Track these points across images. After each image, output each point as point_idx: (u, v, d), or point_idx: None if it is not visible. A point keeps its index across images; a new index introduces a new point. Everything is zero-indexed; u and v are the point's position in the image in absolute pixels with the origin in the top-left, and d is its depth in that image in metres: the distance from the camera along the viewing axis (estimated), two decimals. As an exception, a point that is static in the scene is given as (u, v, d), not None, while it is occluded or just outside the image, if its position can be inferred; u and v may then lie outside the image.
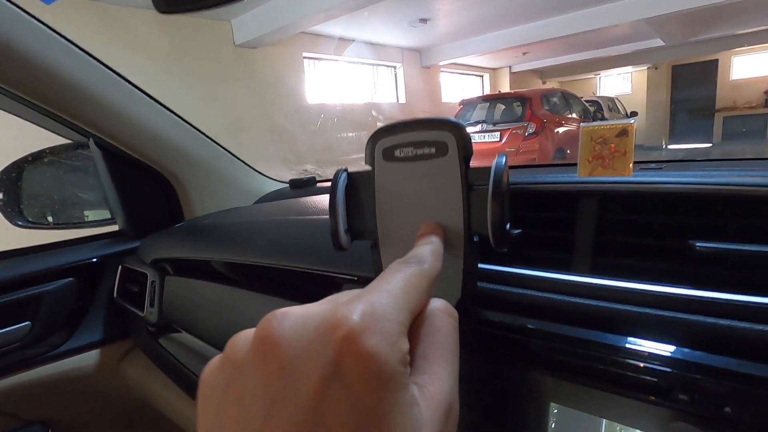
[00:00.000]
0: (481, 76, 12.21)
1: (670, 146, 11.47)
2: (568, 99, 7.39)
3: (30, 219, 0.88)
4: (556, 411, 0.30)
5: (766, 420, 0.20)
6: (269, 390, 0.16)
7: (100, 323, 0.84)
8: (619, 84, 13.71)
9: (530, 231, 0.33)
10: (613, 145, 0.49)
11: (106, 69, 0.75)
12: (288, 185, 1.07)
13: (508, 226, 0.30)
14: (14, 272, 0.76)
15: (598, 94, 12.12)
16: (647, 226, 0.29)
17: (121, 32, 5.06)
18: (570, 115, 7.13)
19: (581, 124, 0.50)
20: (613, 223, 0.30)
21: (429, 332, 0.20)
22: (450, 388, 0.19)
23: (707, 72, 11.31)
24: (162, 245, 0.79)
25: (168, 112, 0.86)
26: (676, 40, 9.44)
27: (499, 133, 6.26)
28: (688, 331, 0.24)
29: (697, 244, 0.26)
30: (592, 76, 14.10)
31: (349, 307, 0.17)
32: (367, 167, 0.34)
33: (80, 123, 0.76)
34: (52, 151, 0.88)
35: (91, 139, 0.82)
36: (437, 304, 0.22)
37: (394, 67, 9.43)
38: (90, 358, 0.83)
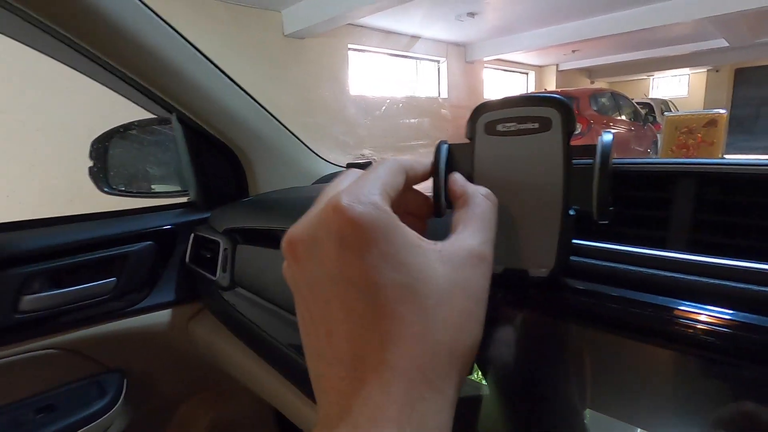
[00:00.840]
0: (526, 74, 11.90)
1: (727, 156, 10.81)
2: (617, 100, 7.09)
3: (114, 186, 0.97)
4: (588, 418, 0.31)
5: None
6: (305, 274, 0.22)
7: (173, 285, 0.91)
8: (674, 86, 13.01)
9: (625, 210, 0.34)
10: (699, 135, 0.49)
11: (191, 47, 0.81)
12: (345, 168, 1.11)
13: (610, 200, 0.32)
14: (105, 232, 0.84)
15: (650, 96, 11.54)
16: (746, 207, 0.30)
17: (191, 16, 5.28)
18: (619, 117, 6.85)
19: (664, 113, 0.50)
20: (713, 203, 0.31)
21: (467, 206, 0.26)
22: (481, 240, 0.24)
23: (771, 75, 10.53)
24: (233, 216, 0.84)
25: (243, 92, 0.91)
26: (743, 41, 8.83)
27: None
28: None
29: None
30: (645, 77, 13.44)
31: (339, 194, 0.21)
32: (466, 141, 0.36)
33: (167, 98, 0.82)
34: (140, 124, 0.95)
35: (174, 114, 0.88)
36: (479, 189, 0.28)
37: (438, 61, 9.35)
38: (163, 316, 0.90)
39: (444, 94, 9.42)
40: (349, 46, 7.53)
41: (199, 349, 0.92)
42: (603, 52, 10.35)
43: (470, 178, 0.36)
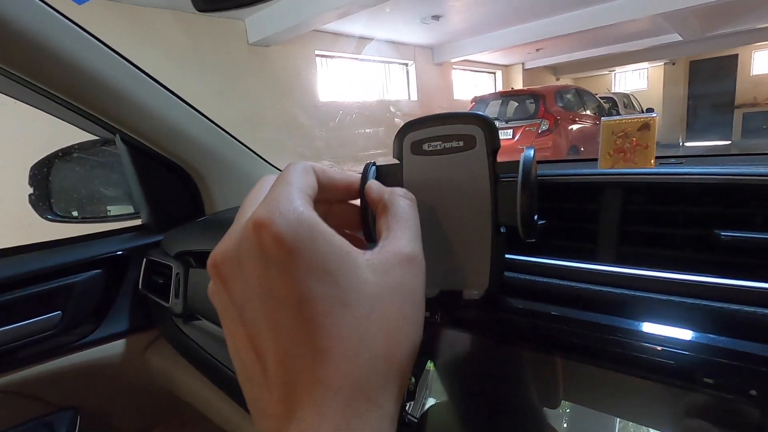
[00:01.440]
0: (494, 73, 12.13)
1: (687, 143, 11.26)
2: (582, 96, 7.30)
3: (59, 213, 0.92)
4: (568, 411, 0.31)
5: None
6: (232, 295, 0.21)
7: (126, 314, 0.87)
8: (635, 80, 13.50)
9: (555, 222, 0.34)
10: (634, 138, 0.49)
11: (131, 66, 0.78)
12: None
13: (535, 216, 0.31)
14: (46, 264, 0.79)
15: (613, 91, 11.95)
16: (671, 217, 0.29)
17: (140, 30, 5.15)
18: (584, 112, 7.05)
19: (602, 118, 0.51)
20: (636, 213, 0.31)
21: (387, 210, 0.25)
22: (408, 241, 0.23)
23: (726, 67, 11.06)
24: (186, 238, 0.81)
25: (190, 108, 0.88)
26: (695, 34, 9.25)
27: (512, 130, 6.21)
28: (713, 318, 0.25)
29: (722, 233, 0.26)
30: (607, 72, 13.90)
31: (259, 208, 0.20)
32: (394, 161, 0.35)
33: (107, 119, 0.78)
34: (81, 147, 0.91)
35: (117, 135, 0.84)
36: (396, 190, 0.27)
37: (406, 65, 9.42)
38: (116, 347, 0.85)
39: (414, 97, 9.49)
40: (316, 52, 7.50)
41: (156, 379, 0.88)
42: (566, 50, 10.65)
43: None
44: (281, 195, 0.21)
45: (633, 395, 0.26)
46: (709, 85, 11.36)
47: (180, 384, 0.82)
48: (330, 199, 0.28)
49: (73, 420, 0.82)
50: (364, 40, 8.04)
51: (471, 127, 0.32)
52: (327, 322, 0.19)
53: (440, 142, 0.32)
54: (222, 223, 0.82)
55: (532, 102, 6.45)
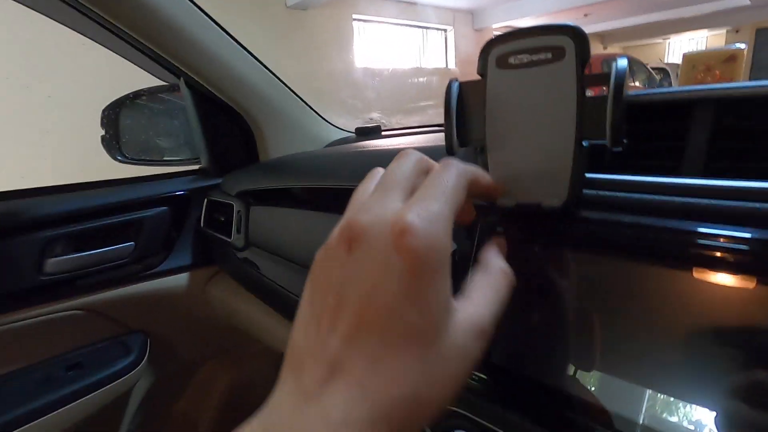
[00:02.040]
0: (537, 40, 11.51)
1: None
2: (631, 65, 6.88)
3: (127, 155, 0.98)
4: (598, 377, 0.31)
5: None
6: (344, 273, 0.21)
7: (189, 249, 0.94)
8: (692, 50, 12.52)
9: (638, 144, 0.34)
10: (718, 72, 0.48)
11: (200, 12, 0.80)
12: (353, 133, 1.11)
13: (623, 127, 0.31)
14: (120, 198, 0.85)
15: (666, 61, 11.14)
16: (764, 131, 0.29)
17: None
18: (632, 84, 6.66)
19: (683, 52, 0.49)
20: (728, 129, 0.31)
21: (483, 274, 0.26)
22: (489, 314, 0.23)
23: (797, 36, 10.06)
24: (245, 178, 0.85)
25: (250, 56, 0.90)
26: (765, -1, 8.42)
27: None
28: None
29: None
30: (661, 41, 12.95)
31: (406, 212, 0.20)
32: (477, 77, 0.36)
33: (174, 61, 0.82)
34: (149, 91, 0.95)
35: (182, 78, 0.88)
36: (500, 263, 0.27)
37: (444, 30, 9.09)
38: (181, 279, 0.92)
39: (452, 65, 9.20)
40: (354, 16, 7.35)
41: (216, 311, 0.95)
42: (616, 15, 9.96)
43: (482, 115, 0.36)
44: (436, 211, 0.21)
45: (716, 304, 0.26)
46: (775, 56, 10.41)
47: (240, 315, 0.88)
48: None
49: (144, 342, 0.91)
50: (402, 3, 7.79)
51: (561, 38, 0.32)
52: (408, 343, 0.19)
53: (528, 55, 0.33)
54: (279, 165, 0.85)
55: (577, 71, 6.13)
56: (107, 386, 0.81)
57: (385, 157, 0.59)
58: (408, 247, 0.20)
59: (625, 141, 0.34)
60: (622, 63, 0.31)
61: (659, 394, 0.28)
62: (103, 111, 0.93)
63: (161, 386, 1.01)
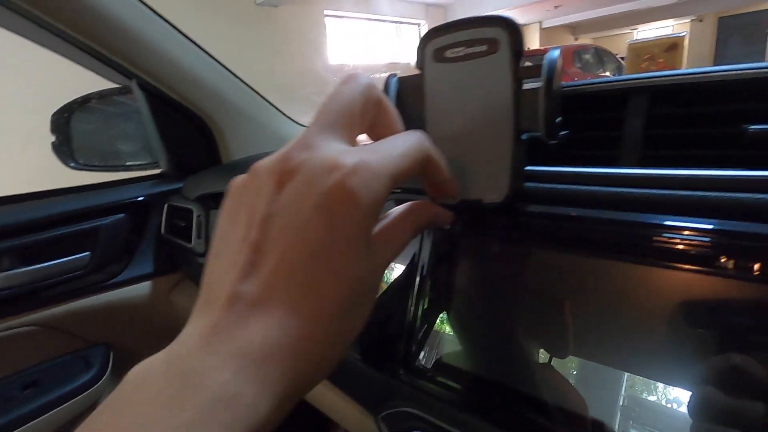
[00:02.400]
0: (510, 33, 11.64)
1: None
2: (601, 56, 7.00)
3: (80, 161, 0.94)
4: (575, 365, 0.31)
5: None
6: (271, 208, 0.20)
7: (150, 257, 0.91)
8: (635, 39, 12.85)
9: (578, 133, 0.34)
10: (661, 60, 0.48)
11: (150, 11, 0.77)
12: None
13: (558, 119, 0.31)
14: (74, 206, 0.82)
15: (634, 51, 11.41)
16: (698, 118, 0.29)
17: None
18: (603, 74, 6.78)
19: (628, 41, 0.49)
20: (662, 117, 0.31)
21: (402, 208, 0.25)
22: (399, 248, 0.24)
23: (758, 23, 10.44)
24: (205, 182, 0.83)
25: (207, 56, 0.88)
26: (726, -12, 8.70)
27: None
28: (736, 207, 0.25)
29: (750, 127, 0.26)
30: (629, 30, 13.24)
31: (351, 155, 0.20)
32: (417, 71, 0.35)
33: (125, 63, 0.79)
34: (100, 95, 0.92)
35: (134, 80, 0.85)
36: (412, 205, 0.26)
37: (418, 24, 9.10)
38: (143, 288, 0.89)
39: (426, 59, 9.19)
40: (326, 12, 7.27)
41: (181, 319, 0.92)
42: (586, 6, 10.13)
43: (422, 109, 0.35)
44: (378, 168, 0.20)
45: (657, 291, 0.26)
46: (738, 44, 10.78)
47: (205, 322, 0.86)
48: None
49: (106, 354, 0.88)
50: (375, -2, 7.75)
51: (495, 30, 0.31)
52: (323, 280, 0.19)
53: (463, 48, 0.32)
54: (241, 166, 0.83)
55: (549, 62, 6.21)
56: (68, 403, 0.78)
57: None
58: (341, 190, 0.19)
59: (565, 132, 0.34)
60: (553, 54, 0.30)
61: (613, 387, 0.28)
62: (53, 116, 0.89)
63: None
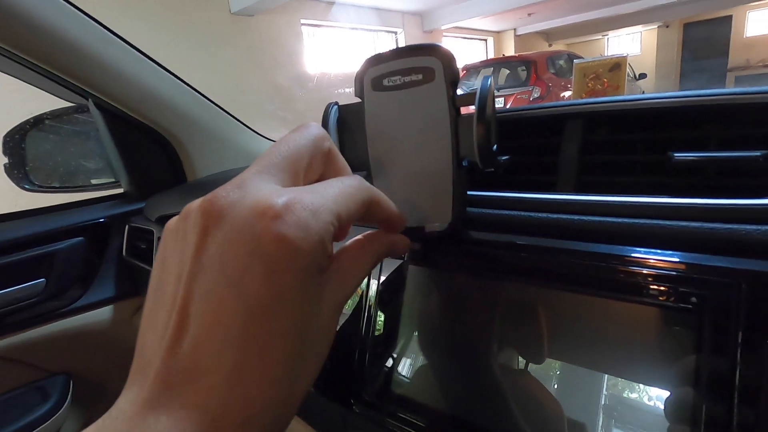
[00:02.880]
0: (485, 40, 11.86)
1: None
2: (574, 61, 7.19)
3: (36, 182, 0.90)
4: (558, 371, 0.31)
5: (727, 306, 0.22)
6: (197, 260, 0.18)
7: (111, 281, 0.88)
8: (628, 45, 13.28)
9: (518, 158, 0.34)
10: (605, 80, 0.49)
11: (102, 28, 0.75)
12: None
13: (495, 148, 0.31)
14: (27, 231, 0.79)
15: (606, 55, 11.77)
16: (629, 144, 0.30)
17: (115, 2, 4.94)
18: (577, 79, 6.96)
19: (574, 60, 0.50)
20: (596, 143, 0.31)
21: (354, 241, 0.24)
22: (352, 288, 0.22)
23: (720, 28, 10.90)
24: (167, 202, 0.81)
25: (166, 73, 0.86)
26: (689, -5, 9.06)
27: (503, 98, 6.13)
28: (664, 235, 0.25)
29: (676, 154, 0.26)
30: (600, 37, 13.65)
31: (280, 195, 0.18)
32: (357, 100, 0.35)
33: (78, 83, 0.76)
34: (53, 114, 0.89)
35: (90, 100, 0.82)
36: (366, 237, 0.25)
37: (395, 33, 9.18)
38: (104, 313, 0.86)
39: (404, 66, 9.26)
40: (302, 21, 7.27)
41: (146, 343, 0.89)
42: (559, 14, 10.40)
43: (363, 138, 0.35)
44: (319, 205, 0.19)
45: (601, 319, 0.27)
46: (702, 49, 11.22)
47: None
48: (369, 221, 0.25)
49: (66, 384, 0.84)
50: (349, 7, 7.79)
51: (429, 59, 0.31)
52: (263, 344, 0.17)
53: (399, 77, 0.32)
54: (204, 187, 0.82)
55: (524, 69, 6.34)
56: (23, 438, 0.74)
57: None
58: (275, 234, 0.17)
59: (505, 158, 0.34)
60: (486, 82, 0.30)
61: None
62: (4, 137, 0.86)
63: (92, 428, 0.93)
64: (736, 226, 0.23)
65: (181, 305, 0.18)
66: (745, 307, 0.21)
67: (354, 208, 0.21)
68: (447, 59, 0.31)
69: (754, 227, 0.23)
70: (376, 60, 0.33)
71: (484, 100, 0.29)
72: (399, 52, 0.32)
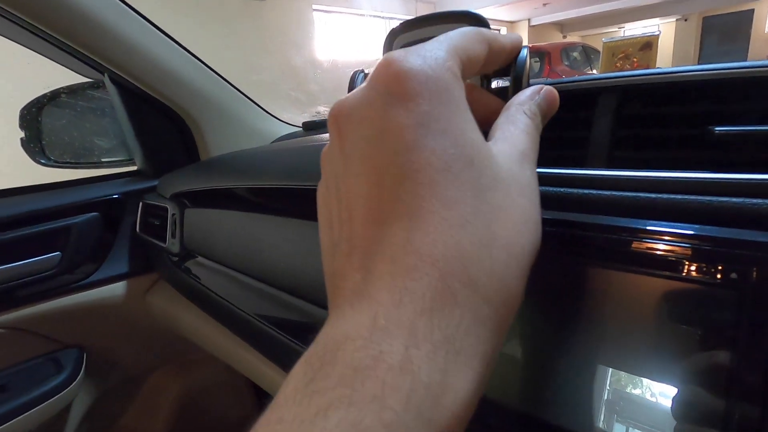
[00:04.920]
0: (499, 30, 11.71)
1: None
2: (589, 54, 7.06)
3: (52, 157, 0.91)
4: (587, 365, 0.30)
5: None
6: (338, 164, 0.18)
7: (125, 257, 0.88)
8: (610, 38, 13.03)
9: (548, 133, 0.33)
10: (635, 59, 0.48)
11: (120, 3, 0.75)
12: (301, 128, 1.07)
13: None
14: (44, 205, 0.79)
15: (621, 49, 11.56)
16: (666, 118, 0.29)
17: None
18: (590, 71, 6.85)
19: (602, 39, 0.49)
20: (631, 117, 0.30)
21: (507, 116, 0.22)
22: (529, 145, 0.20)
23: (741, 23, 10.63)
24: (181, 180, 0.81)
25: (182, 49, 0.85)
26: (710, -13, 8.82)
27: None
28: (702, 211, 0.24)
29: (716, 128, 0.25)
30: (617, 29, 13.38)
31: (403, 51, 0.18)
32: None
33: (95, 56, 0.76)
34: (69, 89, 0.89)
35: (106, 75, 0.82)
36: (524, 106, 0.23)
37: (408, 20, 9.08)
38: (117, 289, 0.87)
39: (416, 55, 9.18)
40: (314, 6, 7.20)
41: (158, 320, 0.90)
42: (574, 5, 10.20)
43: None
44: (431, 43, 0.18)
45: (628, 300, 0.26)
46: (721, 44, 10.97)
47: (182, 324, 0.84)
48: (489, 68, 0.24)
49: (80, 357, 0.85)
50: (363, -7, 7.70)
51: (462, 26, 0.30)
52: (436, 177, 0.15)
53: (431, 44, 0.31)
54: (218, 165, 0.81)
55: (537, 60, 6.26)
56: (38, 407, 0.76)
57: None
58: (394, 70, 0.17)
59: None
60: (523, 54, 0.29)
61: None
62: (21, 111, 0.86)
63: (104, 401, 0.95)
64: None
65: (338, 213, 0.18)
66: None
67: (478, 44, 0.21)
68: (481, 26, 0.30)
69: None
70: (408, 26, 0.32)
71: (521, 70, 0.28)
72: (431, 18, 0.31)
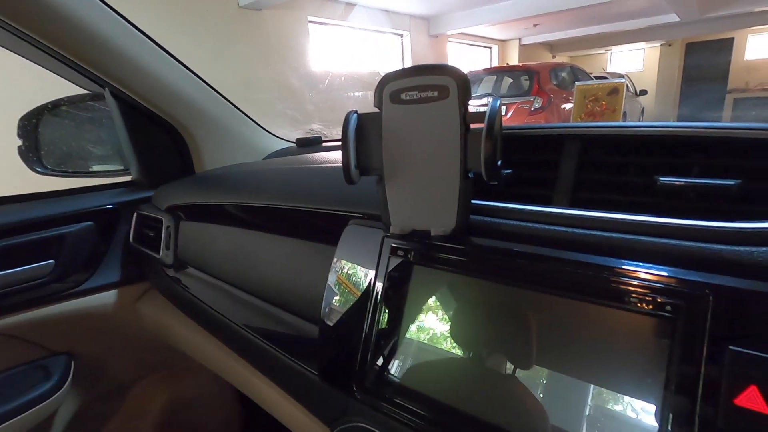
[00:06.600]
0: (490, 48, 11.93)
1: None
2: (576, 74, 7.24)
3: (48, 166, 0.92)
4: (545, 369, 0.34)
5: (700, 311, 0.25)
6: None
7: (117, 266, 0.90)
8: (631, 61, 13.41)
9: (520, 172, 0.37)
10: (604, 102, 0.52)
11: (122, 20, 0.78)
12: (294, 144, 1.11)
13: (499, 162, 0.34)
14: (39, 213, 0.81)
15: (608, 70, 11.89)
16: (622, 166, 0.33)
17: None
18: (578, 91, 7.01)
19: (575, 82, 0.54)
20: (591, 163, 0.34)
21: None
22: None
23: (722, 51, 11.05)
24: (176, 192, 0.83)
25: (181, 66, 0.88)
26: (693, 15, 9.15)
27: (504, 107, 6.17)
28: (647, 250, 0.28)
29: (661, 178, 0.30)
30: (604, 51, 13.76)
31: None
32: (375, 110, 0.38)
33: (97, 72, 0.79)
34: (70, 100, 0.91)
35: (106, 88, 0.85)
36: None
37: (401, 35, 9.22)
38: (109, 297, 0.88)
39: (408, 69, 9.29)
40: (309, 18, 7.28)
41: (148, 329, 0.91)
42: (564, 26, 10.49)
43: (379, 145, 0.38)
44: None
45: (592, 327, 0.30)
46: (703, 69, 11.36)
47: (172, 333, 0.86)
48: None
49: (68, 364, 0.86)
50: (357, 6, 7.81)
51: (445, 79, 0.34)
52: None
53: (417, 92, 0.35)
54: (214, 180, 0.84)
55: (527, 78, 6.38)
56: (23, 414, 0.77)
57: (320, 175, 0.60)
58: None
59: (508, 171, 0.37)
60: (495, 103, 0.33)
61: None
62: (20, 120, 0.88)
63: (90, 409, 0.96)
64: (708, 246, 0.27)
65: None
66: (711, 315, 0.24)
67: None
68: (461, 80, 0.34)
69: (724, 247, 0.26)
70: (397, 75, 0.36)
71: (493, 119, 0.32)
72: (418, 70, 0.35)
